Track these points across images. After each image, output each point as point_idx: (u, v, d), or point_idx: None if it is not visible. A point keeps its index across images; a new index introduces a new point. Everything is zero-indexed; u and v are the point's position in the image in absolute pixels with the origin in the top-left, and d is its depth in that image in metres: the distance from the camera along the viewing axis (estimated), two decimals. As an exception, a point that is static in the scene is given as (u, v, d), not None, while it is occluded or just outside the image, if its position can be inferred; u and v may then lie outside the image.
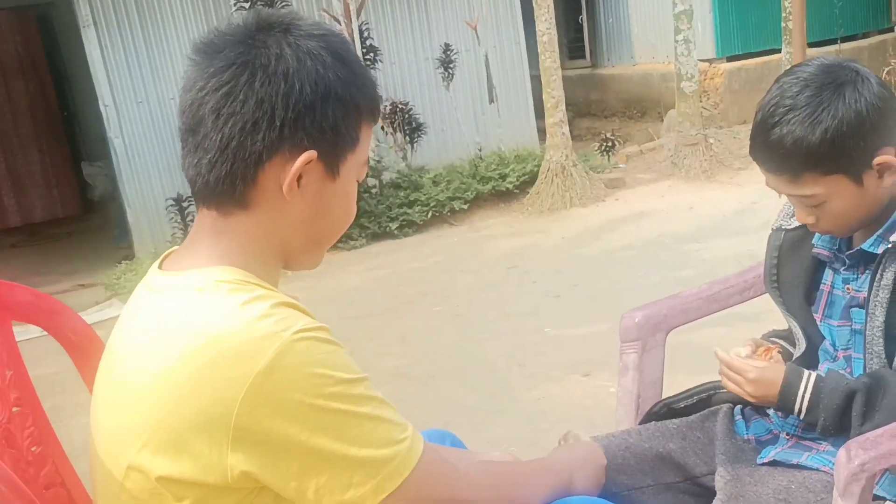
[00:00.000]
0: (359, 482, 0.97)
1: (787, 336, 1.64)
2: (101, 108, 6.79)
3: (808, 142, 1.30)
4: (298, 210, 1.05)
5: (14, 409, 1.12)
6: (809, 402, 1.38)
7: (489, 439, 3.06)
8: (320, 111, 1.01)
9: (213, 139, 1.00)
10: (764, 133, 1.35)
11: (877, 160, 1.32)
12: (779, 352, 1.56)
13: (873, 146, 1.32)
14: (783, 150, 1.33)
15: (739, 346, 1.54)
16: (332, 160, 1.04)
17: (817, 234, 1.50)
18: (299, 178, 1.02)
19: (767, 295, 1.68)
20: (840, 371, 1.43)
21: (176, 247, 1.12)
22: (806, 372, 1.41)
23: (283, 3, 6.65)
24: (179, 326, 0.97)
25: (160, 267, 1.09)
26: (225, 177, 1.01)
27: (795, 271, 1.55)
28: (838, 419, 1.36)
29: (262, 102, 0.99)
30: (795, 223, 1.54)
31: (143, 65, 6.98)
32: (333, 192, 1.06)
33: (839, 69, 1.34)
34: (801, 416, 1.41)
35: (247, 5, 6.48)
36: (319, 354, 0.95)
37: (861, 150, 1.32)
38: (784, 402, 1.41)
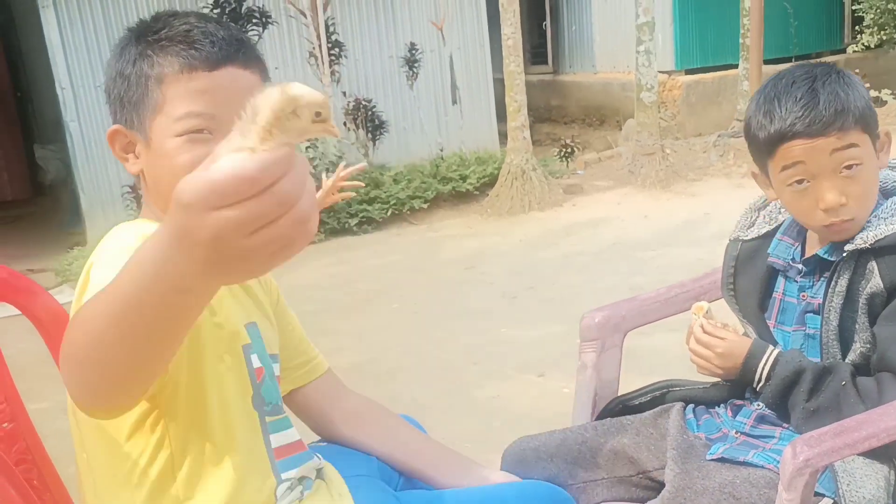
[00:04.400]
0: None
1: None
2: (58, 90, 6.67)
3: (853, 95, 1.41)
4: (148, 176, 1.13)
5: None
6: (768, 374, 1.47)
7: (444, 436, 3.09)
8: (113, 90, 1.11)
9: None
10: (808, 96, 1.41)
11: (881, 129, 1.46)
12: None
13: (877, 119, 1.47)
14: (838, 102, 1.40)
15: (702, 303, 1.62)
16: (139, 127, 1.11)
17: (773, 244, 1.58)
18: (134, 149, 1.12)
19: (722, 301, 1.75)
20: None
21: None
22: (770, 346, 1.50)
23: (251, -6, 6.61)
24: None
25: None
26: None
27: (751, 280, 1.62)
28: (783, 390, 1.45)
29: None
30: (752, 234, 1.63)
31: (103, 48, 6.86)
32: (154, 157, 1.11)
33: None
34: (759, 387, 1.49)
35: (212, -6, 6.43)
36: None
37: (875, 117, 1.45)
38: (745, 373, 1.50)
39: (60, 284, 6.00)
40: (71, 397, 0.88)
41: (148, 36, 1.09)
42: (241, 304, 1.17)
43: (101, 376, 0.78)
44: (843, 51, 10.53)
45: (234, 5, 6.45)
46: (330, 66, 7.18)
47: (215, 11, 6.41)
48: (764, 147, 1.46)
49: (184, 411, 1.04)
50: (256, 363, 1.14)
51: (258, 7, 6.65)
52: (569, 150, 8.03)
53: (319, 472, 1.25)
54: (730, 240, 1.69)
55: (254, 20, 6.60)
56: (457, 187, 7.30)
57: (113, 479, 1.06)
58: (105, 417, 0.96)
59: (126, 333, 0.72)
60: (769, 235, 1.63)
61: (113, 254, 0.99)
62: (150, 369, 0.80)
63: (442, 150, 7.91)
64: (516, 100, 7.15)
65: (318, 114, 0.66)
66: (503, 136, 7.80)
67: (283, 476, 1.16)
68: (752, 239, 1.63)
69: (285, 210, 0.60)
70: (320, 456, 1.28)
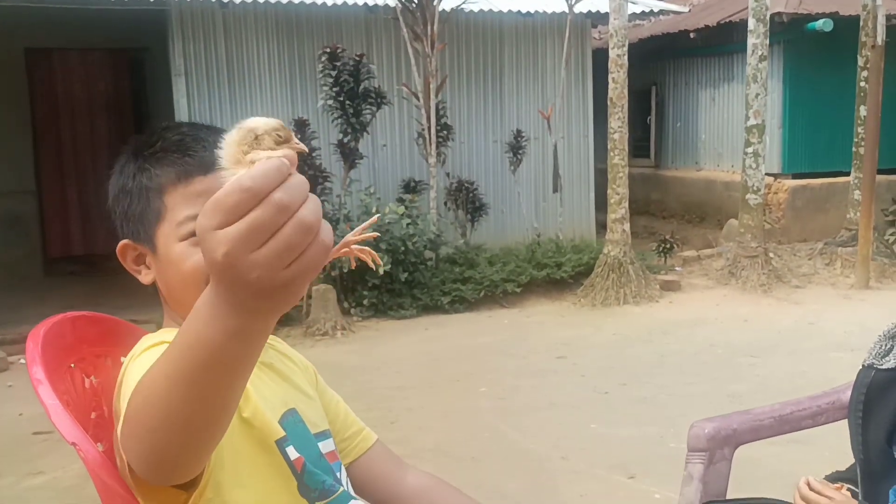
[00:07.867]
0: None
1: (850, 477, 1.63)
2: (180, 152, 7.05)
3: None
4: (161, 285, 1.16)
5: (99, 445, 1.16)
6: None
7: (527, 530, 3.03)
8: (117, 206, 1.16)
9: None
10: None
11: None
12: (847, 489, 1.56)
13: None
14: None
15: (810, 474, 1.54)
16: (145, 239, 1.14)
17: None
18: (144, 260, 1.15)
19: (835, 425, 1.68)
20: None
21: None
22: None
23: (368, 75, 6.89)
24: None
25: None
26: None
27: (883, 410, 1.56)
28: None
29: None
30: (889, 364, 1.57)
31: (226, 118, 7.27)
32: (163, 265, 1.14)
33: None
34: None
35: (333, 73, 6.73)
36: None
37: None
38: None
39: (161, 337, 6.23)
40: (136, 470, 0.89)
41: (144, 151, 1.14)
42: (274, 393, 1.18)
43: (170, 437, 0.80)
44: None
45: (352, 85, 6.74)
46: (437, 148, 7.37)
47: (335, 90, 6.71)
48: None
49: None
50: (294, 454, 1.15)
51: (374, 88, 6.93)
52: (668, 245, 7.93)
53: None
54: (863, 366, 1.63)
55: (370, 100, 6.87)
56: (551, 274, 7.28)
57: None
58: (166, 483, 0.93)
59: (189, 388, 0.74)
60: None
61: (142, 360, 1.02)
62: (217, 423, 0.82)
63: (539, 236, 7.94)
64: (618, 192, 7.15)
65: (278, 135, 0.71)
66: (600, 226, 7.78)
67: None
68: (889, 370, 1.58)
69: (285, 217, 0.63)
70: None
